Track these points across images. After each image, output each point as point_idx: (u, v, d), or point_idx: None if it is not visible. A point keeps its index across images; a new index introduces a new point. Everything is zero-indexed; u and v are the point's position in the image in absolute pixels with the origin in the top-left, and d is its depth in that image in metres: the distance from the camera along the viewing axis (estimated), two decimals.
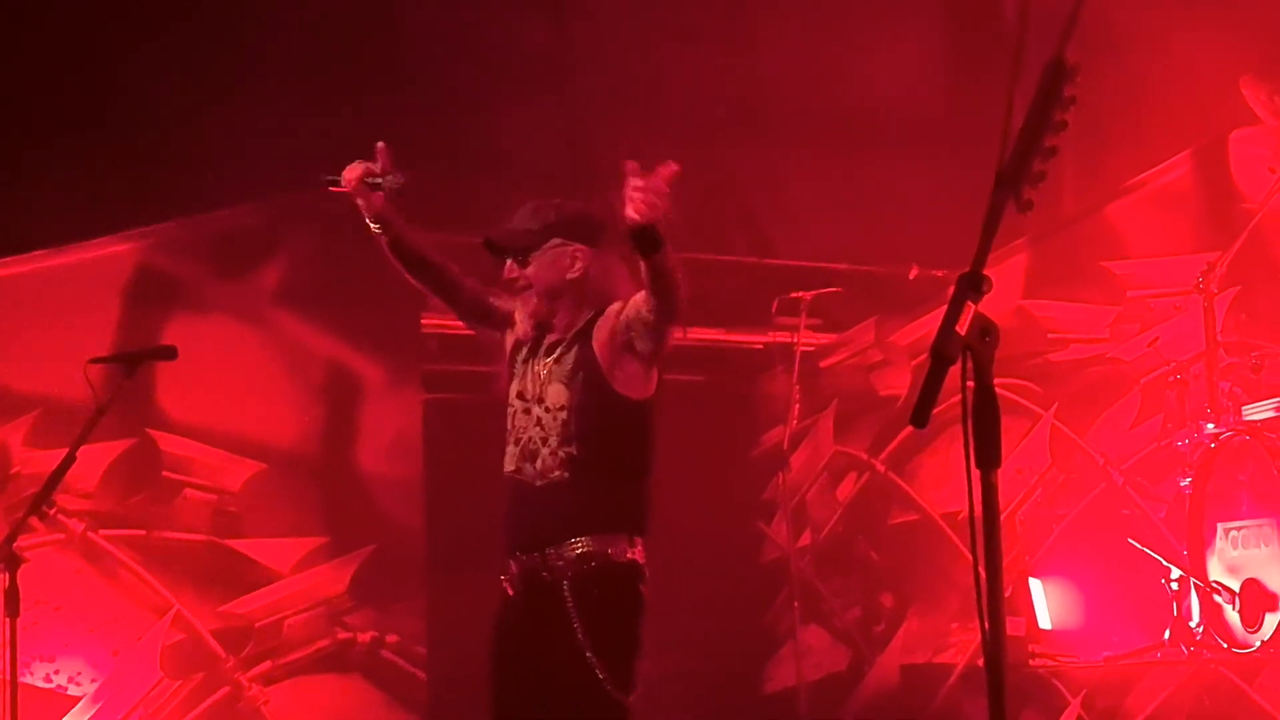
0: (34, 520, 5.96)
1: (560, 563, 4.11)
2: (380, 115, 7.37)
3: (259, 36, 7.52)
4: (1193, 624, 6.64)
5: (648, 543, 4.19)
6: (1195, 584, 6.63)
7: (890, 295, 8.77)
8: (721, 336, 8.98)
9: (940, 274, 8.55)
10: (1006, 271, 8.03)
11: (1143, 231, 7.88)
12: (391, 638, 7.76)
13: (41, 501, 5.54)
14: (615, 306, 4.22)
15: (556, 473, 4.15)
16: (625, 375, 4.19)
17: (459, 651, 7.52)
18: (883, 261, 8.78)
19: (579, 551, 4.10)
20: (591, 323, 4.26)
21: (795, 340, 8.37)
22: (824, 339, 8.97)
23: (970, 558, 2.46)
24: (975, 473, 2.45)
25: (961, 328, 2.40)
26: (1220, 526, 6.66)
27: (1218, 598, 6.54)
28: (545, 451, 4.18)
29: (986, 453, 2.45)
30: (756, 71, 8.73)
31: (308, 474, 7.80)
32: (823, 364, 8.96)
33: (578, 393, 4.19)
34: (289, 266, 7.80)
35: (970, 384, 2.46)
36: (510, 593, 4.23)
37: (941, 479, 8.20)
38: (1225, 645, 6.51)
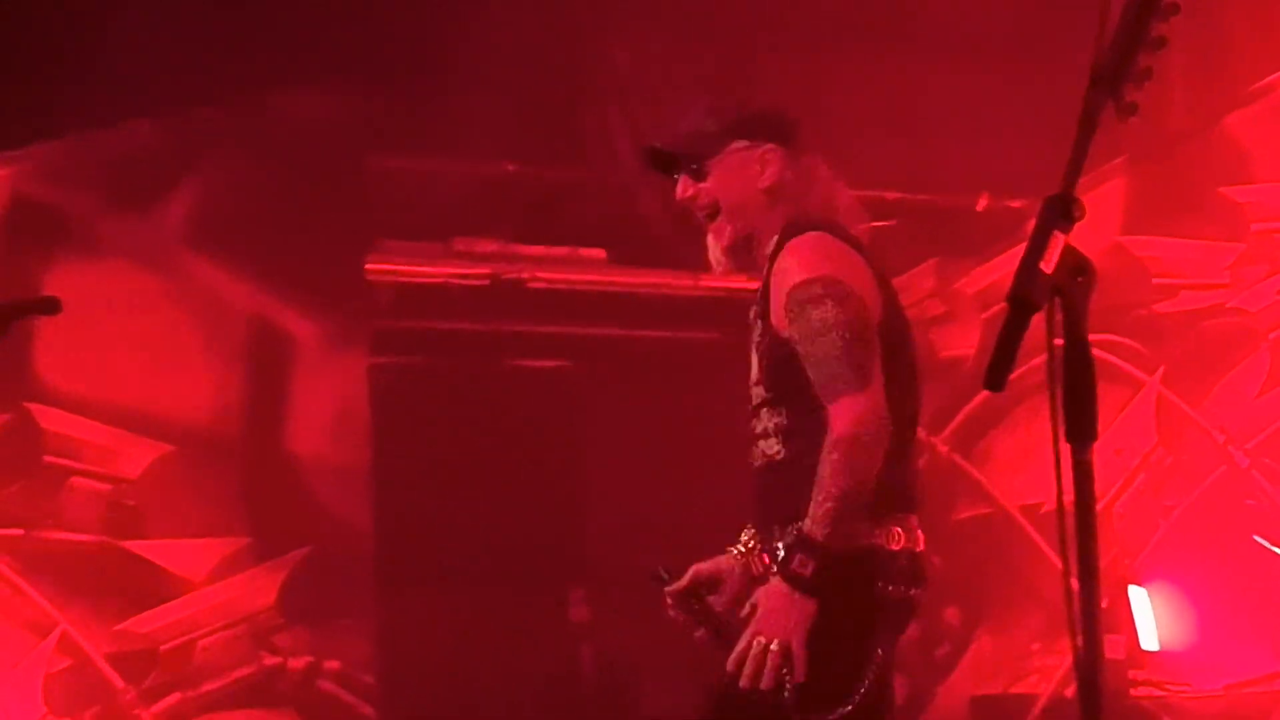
0: None
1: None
2: (321, 9, 7.33)
3: None
4: None
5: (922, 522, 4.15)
6: None
7: (953, 231, 8.75)
8: (743, 284, 8.93)
9: (1017, 204, 8.52)
10: (1100, 200, 8.01)
11: (1272, 149, 7.87)
12: (331, 664, 7.77)
13: None
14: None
15: (775, 447, 4.12)
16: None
17: (414, 681, 7.55)
18: (944, 189, 8.76)
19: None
20: (780, 245, 4.14)
21: None
22: None
23: (1057, 562, 2.43)
24: (1064, 450, 2.41)
25: (1048, 265, 2.37)
26: None
27: None
28: (756, 425, 4.16)
29: (1079, 425, 2.40)
30: None
31: (226, 458, 7.81)
32: None
33: (758, 334, 4.14)
34: (201, 198, 7.79)
35: (1058, 340, 2.43)
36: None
37: (1019, 462, 8.20)
38: None
